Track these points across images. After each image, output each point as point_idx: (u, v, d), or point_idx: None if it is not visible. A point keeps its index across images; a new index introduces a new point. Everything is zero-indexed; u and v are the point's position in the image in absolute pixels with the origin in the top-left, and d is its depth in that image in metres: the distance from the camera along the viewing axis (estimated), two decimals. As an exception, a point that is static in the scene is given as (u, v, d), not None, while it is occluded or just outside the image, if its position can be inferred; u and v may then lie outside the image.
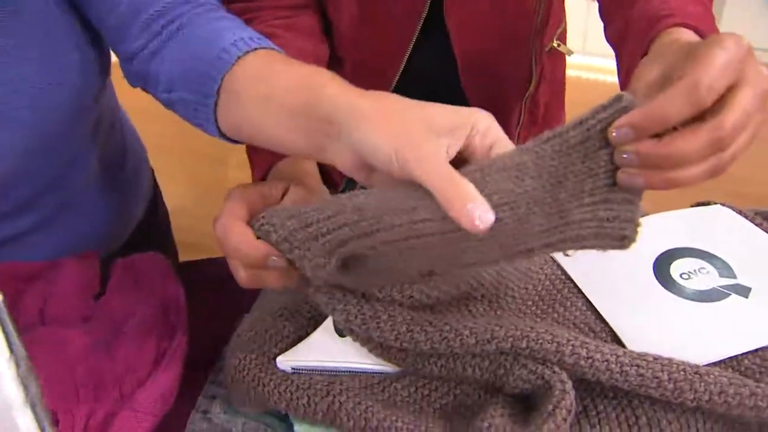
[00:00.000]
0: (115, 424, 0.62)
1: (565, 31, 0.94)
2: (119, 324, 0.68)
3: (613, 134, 0.45)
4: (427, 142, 0.47)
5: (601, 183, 0.48)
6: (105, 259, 0.79)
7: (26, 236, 0.75)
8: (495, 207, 0.45)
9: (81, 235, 0.82)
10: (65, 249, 0.78)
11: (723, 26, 2.47)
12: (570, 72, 1.02)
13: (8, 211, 0.71)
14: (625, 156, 0.45)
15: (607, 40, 0.70)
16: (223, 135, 0.60)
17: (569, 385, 0.51)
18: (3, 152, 0.64)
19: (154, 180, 1.00)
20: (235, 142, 0.60)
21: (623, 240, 0.50)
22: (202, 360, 0.68)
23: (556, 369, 0.52)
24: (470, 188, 0.45)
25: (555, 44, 0.91)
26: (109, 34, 0.66)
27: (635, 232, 0.50)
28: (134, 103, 0.97)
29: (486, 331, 0.53)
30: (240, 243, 0.51)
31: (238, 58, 0.56)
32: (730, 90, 0.44)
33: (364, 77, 0.84)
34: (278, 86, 0.53)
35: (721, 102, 0.44)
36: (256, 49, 0.57)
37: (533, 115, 0.91)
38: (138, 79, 0.66)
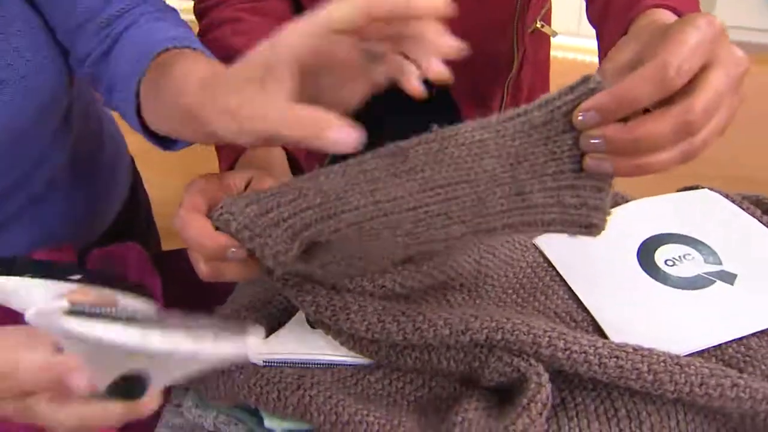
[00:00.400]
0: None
1: (549, 11, 0.91)
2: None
3: (579, 118, 0.44)
4: (250, 93, 0.45)
5: (566, 167, 0.46)
6: (83, 250, 0.77)
7: None
8: (453, 183, 0.45)
9: (55, 227, 0.80)
10: (39, 242, 0.77)
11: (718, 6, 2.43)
12: (566, 54, 1.00)
13: None
14: (592, 141, 0.44)
15: (589, 20, 0.68)
16: (150, 133, 0.61)
17: (545, 377, 0.50)
18: None
19: (134, 168, 0.98)
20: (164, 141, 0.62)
21: (590, 228, 0.49)
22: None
23: (533, 361, 0.51)
24: (318, 112, 0.43)
25: (539, 25, 0.88)
26: (65, 38, 0.67)
27: (603, 221, 0.49)
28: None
29: (461, 322, 0.51)
30: (198, 235, 0.49)
31: (156, 55, 0.58)
32: (701, 71, 0.42)
33: None
34: (172, 85, 0.53)
35: (692, 84, 0.42)
36: (173, 48, 0.59)
37: (516, 99, 0.89)
38: (90, 81, 0.68)
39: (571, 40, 1.76)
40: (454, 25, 0.79)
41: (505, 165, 0.46)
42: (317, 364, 0.56)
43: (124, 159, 0.94)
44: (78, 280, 0.56)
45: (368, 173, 0.46)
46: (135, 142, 0.96)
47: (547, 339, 0.51)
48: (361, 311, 0.53)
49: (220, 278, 0.51)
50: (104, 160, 0.87)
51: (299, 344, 0.57)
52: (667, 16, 0.53)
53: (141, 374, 0.45)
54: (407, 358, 0.54)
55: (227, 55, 0.70)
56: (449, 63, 0.81)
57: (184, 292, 0.72)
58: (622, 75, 0.43)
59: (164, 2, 0.68)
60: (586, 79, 0.44)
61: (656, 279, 0.63)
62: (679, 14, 0.54)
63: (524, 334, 0.51)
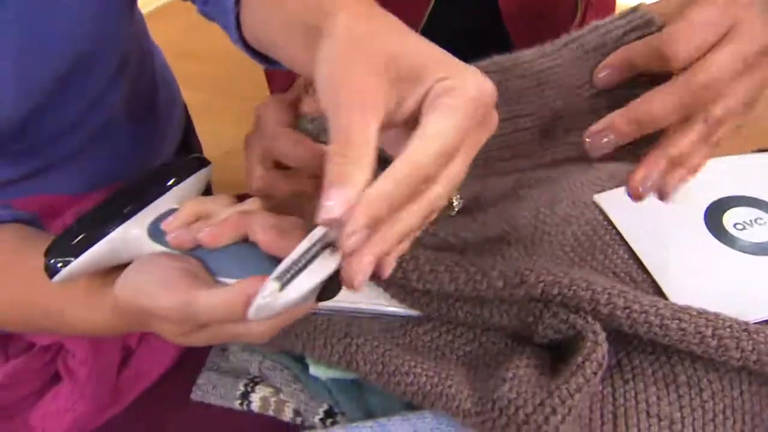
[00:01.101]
0: (133, 360, 0.62)
1: None
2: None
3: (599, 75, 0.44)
4: (369, 83, 0.36)
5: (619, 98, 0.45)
6: None
7: (51, 170, 0.74)
8: (515, 117, 0.44)
9: (110, 168, 0.80)
10: (93, 183, 0.77)
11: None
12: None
13: (32, 145, 0.70)
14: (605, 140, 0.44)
15: None
16: (248, 47, 0.55)
17: (602, 336, 0.48)
18: (32, 85, 0.63)
19: (188, 115, 0.98)
20: (261, 56, 0.56)
21: None
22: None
23: (590, 319, 0.49)
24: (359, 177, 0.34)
25: None
26: None
27: None
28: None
29: (516, 274, 0.49)
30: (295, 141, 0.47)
31: None
32: (713, 47, 0.42)
33: None
34: None
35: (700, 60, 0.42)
36: None
37: None
38: None
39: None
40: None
41: (565, 97, 0.44)
42: (365, 313, 0.55)
43: (177, 104, 0.93)
44: (168, 187, 0.51)
45: None
46: (188, 95, 0.97)
47: (606, 296, 0.48)
48: (414, 261, 0.51)
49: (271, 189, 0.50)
50: (159, 103, 0.87)
51: (348, 293, 0.55)
52: None
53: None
54: (458, 311, 0.52)
55: None
56: (512, 13, 0.78)
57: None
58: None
59: None
60: (635, 9, 0.44)
61: (724, 243, 0.60)
62: None
63: (582, 290, 0.49)
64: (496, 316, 0.52)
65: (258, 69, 0.70)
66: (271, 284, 0.36)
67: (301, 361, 0.55)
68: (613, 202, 0.65)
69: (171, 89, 0.91)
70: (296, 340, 0.53)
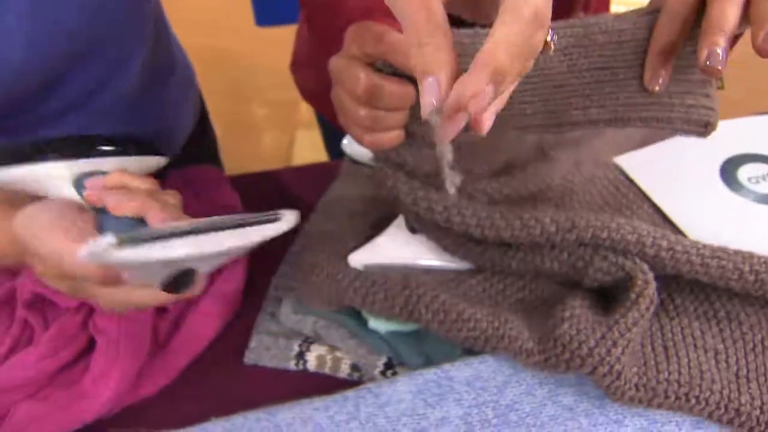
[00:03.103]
0: (183, 326, 0.63)
1: None
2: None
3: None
4: None
5: (681, 74, 0.48)
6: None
7: None
8: (595, 68, 0.47)
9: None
10: None
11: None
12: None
13: (52, 113, 0.70)
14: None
15: None
16: None
17: (651, 275, 0.51)
18: (42, 57, 0.63)
19: (202, 100, 0.99)
20: None
21: (707, 126, 0.50)
22: (261, 268, 0.69)
23: (637, 260, 0.52)
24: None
25: None
26: None
27: (717, 120, 0.50)
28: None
29: (567, 220, 0.52)
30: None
31: None
32: None
33: None
34: None
35: None
36: None
37: (587, 10, 0.88)
38: None
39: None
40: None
41: (639, 58, 0.47)
42: (417, 269, 0.57)
43: (194, 84, 0.94)
44: (111, 153, 0.57)
45: None
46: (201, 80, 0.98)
47: (651, 239, 0.52)
48: (471, 207, 0.54)
49: (376, 127, 0.51)
50: (176, 79, 0.87)
51: (400, 249, 0.58)
52: None
53: (190, 269, 0.48)
54: (511, 260, 0.55)
55: None
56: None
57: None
58: None
59: None
60: None
61: (739, 194, 0.64)
62: None
63: (629, 234, 0.52)
64: (547, 263, 0.55)
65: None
66: (109, 238, 0.40)
67: (356, 318, 0.57)
68: (633, 163, 0.69)
69: (185, 64, 0.92)
70: (355, 295, 0.55)
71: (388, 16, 0.65)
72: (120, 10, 0.68)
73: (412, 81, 0.50)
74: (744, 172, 0.66)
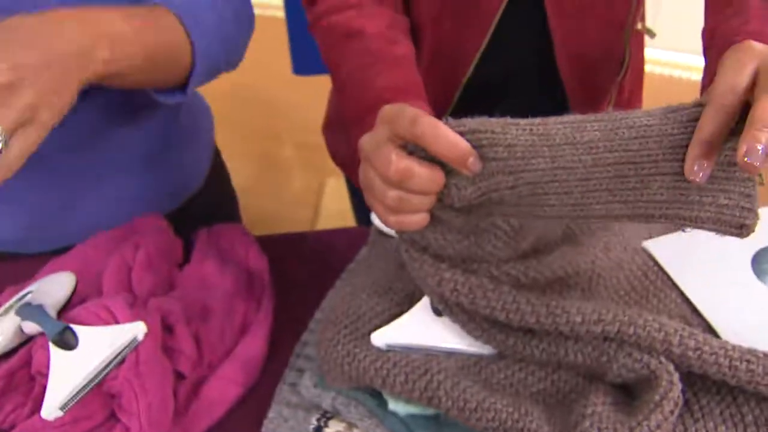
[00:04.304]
0: (202, 392, 0.63)
1: (644, 14, 0.91)
2: (207, 294, 0.68)
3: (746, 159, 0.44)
4: None
5: (720, 171, 0.47)
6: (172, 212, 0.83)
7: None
8: (621, 163, 0.46)
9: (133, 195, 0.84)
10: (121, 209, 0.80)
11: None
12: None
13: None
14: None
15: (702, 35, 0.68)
16: None
17: (676, 376, 0.50)
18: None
19: (217, 149, 1.01)
20: None
21: (742, 228, 0.49)
22: (284, 334, 0.69)
23: (663, 359, 0.51)
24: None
25: (639, 27, 0.88)
26: None
27: (755, 222, 0.49)
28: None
29: (594, 312, 0.52)
30: (453, 137, 0.48)
31: None
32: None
33: (442, 60, 0.83)
34: None
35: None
36: None
37: (619, 101, 0.89)
38: None
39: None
40: (582, 24, 0.80)
41: (667, 154, 0.46)
42: (440, 351, 0.57)
43: (208, 129, 0.97)
44: None
45: (551, 137, 0.47)
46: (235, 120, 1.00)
47: (678, 338, 0.51)
48: (498, 290, 0.54)
49: (402, 209, 0.52)
50: (188, 123, 0.89)
51: (423, 331, 0.58)
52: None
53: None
54: (534, 348, 0.55)
55: (349, 34, 0.71)
56: (570, 62, 0.82)
57: (285, 276, 0.74)
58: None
59: None
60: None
61: (771, 288, 0.63)
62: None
63: (656, 331, 0.51)
64: (570, 355, 0.54)
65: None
66: None
67: (375, 397, 0.57)
68: (662, 249, 0.68)
69: (197, 119, 0.94)
70: (375, 375, 0.55)
71: (418, 97, 0.66)
72: None
73: (443, 165, 0.50)
74: (776, 265, 0.65)
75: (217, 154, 1.04)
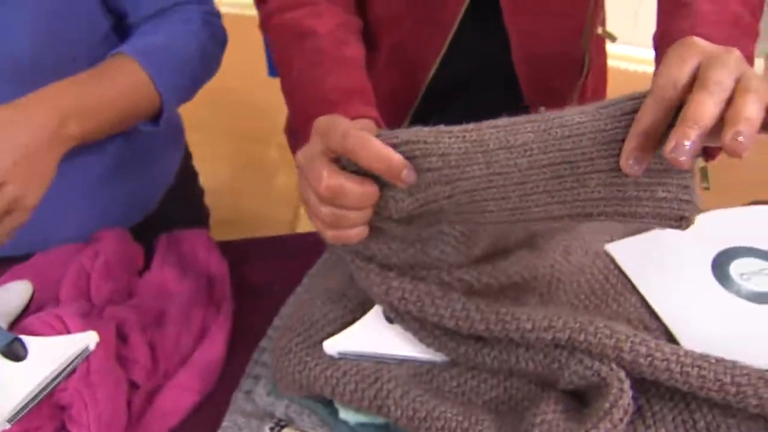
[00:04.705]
0: (157, 401, 0.62)
1: (605, 18, 0.91)
2: (164, 301, 0.68)
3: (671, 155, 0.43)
4: None
5: (657, 164, 0.46)
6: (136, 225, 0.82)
7: None
8: (557, 163, 0.46)
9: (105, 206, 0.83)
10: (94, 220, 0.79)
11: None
12: (619, 63, 1.00)
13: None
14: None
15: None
16: None
17: (627, 383, 0.50)
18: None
19: (188, 152, 1.01)
20: None
21: (681, 221, 0.48)
22: (243, 340, 0.68)
23: (614, 366, 0.51)
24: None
25: (600, 31, 0.88)
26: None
27: (694, 214, 0.48)
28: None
29: (544, 318, 0.51)
30: (383, 149, 0.48)
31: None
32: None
33: (401, 59, 0.82)
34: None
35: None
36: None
37: (582, 102, 0.89)
38: None
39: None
40: (538, 26, 0.79)
41: (601, 150, 0.46)
42: (392, 359, 0.56)
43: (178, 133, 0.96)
44: None
45: (484, 143, 0.47)
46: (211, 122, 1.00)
47: (629, 344, 0.51)
48: (446, 297, 0.53)
49: (338, 225, 0.51)
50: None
51: (375, 339, 0.57)
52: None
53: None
54: (486, 356, 0.54)
55: (301, 33, 0.71)
56: (527, 63, 0.82)
57: (246, 281, 0.73)
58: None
59: None
60: None
61: (731, 291, 0.62)
62: None
63: (607, 338, 0.51)
64: (522, 362, 0.53)
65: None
66: None
67: (328, 406, 0.56)
68: (624, 252, 0.68)
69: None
70: (325, 384, 0.54)
71: (365, 101, 0.65)
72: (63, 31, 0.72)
73: (375, 179, 0.50)
74: (736, 267, 0.64)
75: (187, 156, 1.03)
